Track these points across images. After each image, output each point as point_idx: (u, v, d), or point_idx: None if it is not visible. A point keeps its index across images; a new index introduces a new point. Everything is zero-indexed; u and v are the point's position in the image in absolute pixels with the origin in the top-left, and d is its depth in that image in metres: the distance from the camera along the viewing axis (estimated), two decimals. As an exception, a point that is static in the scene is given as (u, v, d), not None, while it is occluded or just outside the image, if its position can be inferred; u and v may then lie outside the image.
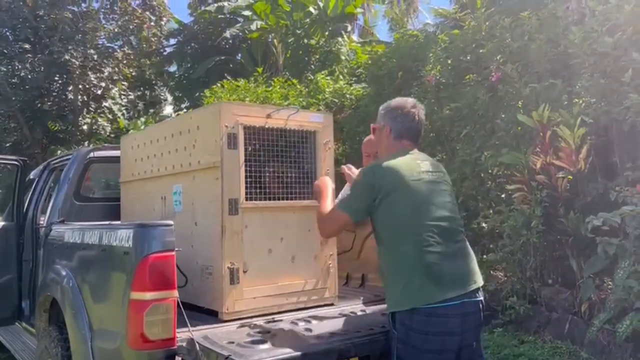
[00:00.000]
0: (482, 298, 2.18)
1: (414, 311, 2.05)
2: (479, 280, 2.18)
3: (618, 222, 3.43)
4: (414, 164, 2.26)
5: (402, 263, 2.12)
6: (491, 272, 5.43)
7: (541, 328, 4.58)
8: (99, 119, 14.41)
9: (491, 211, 5.23)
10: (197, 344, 2.13)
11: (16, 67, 14.08)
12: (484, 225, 5.33)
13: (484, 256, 5.36)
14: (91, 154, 3.94)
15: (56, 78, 14.00)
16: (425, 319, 2.03)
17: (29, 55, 14.03)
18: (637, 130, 4.11)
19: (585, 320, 4.20)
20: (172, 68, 17.64)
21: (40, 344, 3.18)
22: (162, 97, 18.05)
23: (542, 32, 5.01)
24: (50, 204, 3.88)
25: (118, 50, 14.96)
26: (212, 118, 2.62)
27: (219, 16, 15.07)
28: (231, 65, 15.71)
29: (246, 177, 2.61)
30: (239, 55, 16.11)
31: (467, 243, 2.28)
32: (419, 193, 2.18)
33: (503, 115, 5.15)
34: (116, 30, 14.64)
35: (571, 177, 4.40)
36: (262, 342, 2.14)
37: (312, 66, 13.11)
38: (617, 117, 4.17)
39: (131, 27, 14.42)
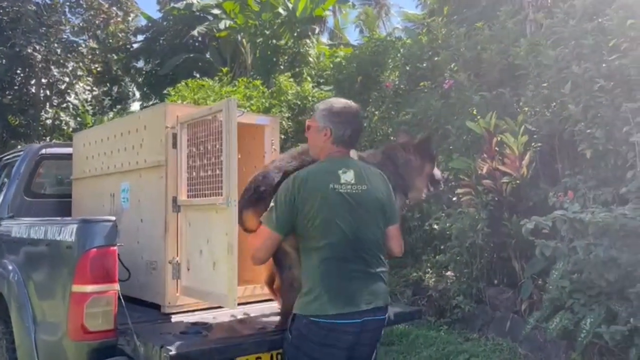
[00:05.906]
0: (385, 317, 2.16)
1: (312, 322, 2.03)
2: (385, 300, 2.15)
3: (549, 226, 3.62)
4: (335, 176, 2.15)
5: (307, 273, 2.12)
6: (443, 272, 5.63)
7: (485, 326, 4.78)
8: (62, 114, 14.18)
9: (442, 214, 5.40)
10: (135, 335, 2.21)
11: (-24, 60, 13.77)
12: (435, 227, 5.50)
13: (436, 257, 5.55)
14: (43, 151, 3.95)
15: (18, 71, 13.75)
16: (323, 332, 2.02)
17: (-10, 47, 13.74)
18: (575, 139, 4.34)
19: (525, 319, 4.40)
20: (140, 64, 17.47)
21: (-14, 338, 3.19)
22: (129, 93, 17.86)
23: (493, 42, 5.22)
24: (0, 199, 3.88)
25: (83, 45, 14.75)
26: (157, 118, 2.70)
27: (188, 13, 15.02)
28: (200, 64, 15.66)
29: (189, 175, 2.68)
30: (208, 53, 16.07)
31: (382, 260, 2.19)
32: (332, 207, 2.10)
33: (455, 121, 5.34)
34: (81, 24, 14.45)
35: (517, 182, 4.59)
36: (196, 333, 2.24)
37: (281, 67, 13.18)
38: (558, 127, 4.39)
39: (97, 21, 14.25)
